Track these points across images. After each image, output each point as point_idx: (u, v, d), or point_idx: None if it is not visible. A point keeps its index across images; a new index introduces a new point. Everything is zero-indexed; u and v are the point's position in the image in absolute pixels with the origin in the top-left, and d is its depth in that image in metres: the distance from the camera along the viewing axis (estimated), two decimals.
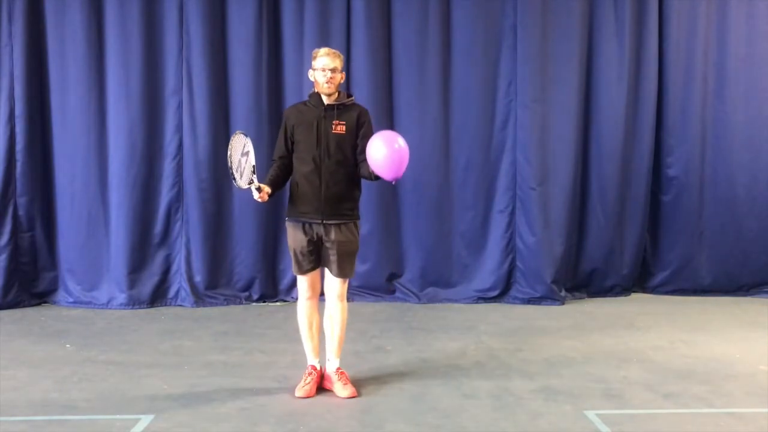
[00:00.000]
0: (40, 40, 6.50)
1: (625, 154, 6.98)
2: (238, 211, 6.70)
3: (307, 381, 4.27)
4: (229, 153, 4.02)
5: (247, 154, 4.11)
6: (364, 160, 4.12)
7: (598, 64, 6.92)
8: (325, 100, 4.21)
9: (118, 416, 3.89)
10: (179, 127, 6.58)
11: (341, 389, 4.23)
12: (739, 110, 7.03)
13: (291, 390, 4.27)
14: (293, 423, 3.83)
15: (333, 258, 4.21)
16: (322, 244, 4.22)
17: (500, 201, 6.87)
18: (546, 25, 6.79)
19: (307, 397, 4.20)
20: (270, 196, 4.16)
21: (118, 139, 6.51)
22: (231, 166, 4.01)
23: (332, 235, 4.19)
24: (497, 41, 6.81)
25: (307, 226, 4.20)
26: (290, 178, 4.30)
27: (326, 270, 4.31)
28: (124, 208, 6.51)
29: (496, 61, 6.82)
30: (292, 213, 4.25)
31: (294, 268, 4.32)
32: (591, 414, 3.95)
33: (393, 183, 4.11)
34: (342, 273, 4.25)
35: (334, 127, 4.17)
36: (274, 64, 6.71)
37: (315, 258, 4.25)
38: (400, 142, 3.97)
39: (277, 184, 4.25)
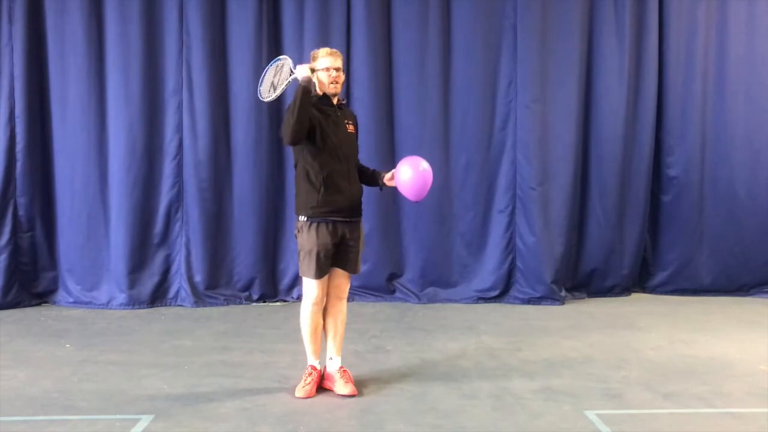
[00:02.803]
0: (40, 40, 6.51)
1: (625, 154, 6.98)
2: (238, 211, 6.71)
3: (307, 381, 4.26)
4: (260, 82, 4.16)
5: (280, 69, 4.14)
6: (368, 169, 4.32)
7: (598, 64, 6.93)
8: (334, 101, 4.20)
9: (118, 416, 3.88)
10: (179, 127, 6.58)
11: (342, 386, 4.22)
12: (739, 110, 7.04)
13: (291, 390, 4.27)
14: (293, 423, 3.82)
15: (353, 255, 4.24)
16: (343, 242, 4.19)
17: (500, 201, 6.88)
18: (546, 25, 6.79)
19: (307, 398, 4.19)
20: (306, 98, 4.00)
21: (118, 139, 6.51)
22: (261, 92, 4.17)
23: (355, 233, 4.23)
24: (497, 41, 6.82)
25: (333, 225, 4.12)
26: (308, 178, 4.10)
27: (336, 270, 4.24)
28: (124, 208, 6.52)
29: (496, 61, 6.83)
30: (318, 213, 4.08)
31: (312, 272, 4.11)
32: (591, 414, 3.95)
33: (416, 202, 4.29)
34: (358, 269, 4.33)
35: (347, 126, 4.21)
36: None
37: (331, 260, 4.21)
38: (424, 165, 4.13)
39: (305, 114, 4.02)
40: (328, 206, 4.11)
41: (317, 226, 4.11)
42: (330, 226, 4.12)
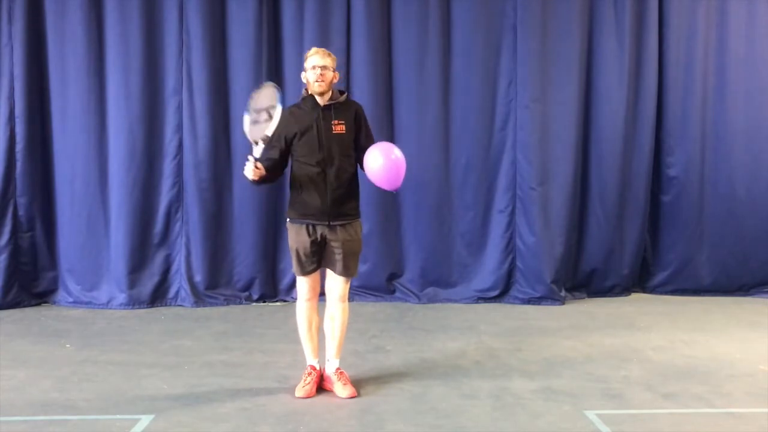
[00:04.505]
0: (40, 40, 6.51)
1: (625, 154, 6.97)
2: (238, 211, 6.71)
3: (306, 381, 4.26)
4: (254, 95, 4.06)
5: (270, 115, 3.97)
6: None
7: (598, 64, 6.92)
8: (320, 101, 4.17)
9: (118, 416, 3.89)
10: (179, 127, 6.58)
11: (341, 389, 4.22)
12: (739, 110, 7.03)
13: (291, 390, 4.27)
14: (293, 423, 3.83)
15: (338, 257, 4.19)
16: (326, 244, 4.20)
17: (500, 201, 6.87)
18: (546, 25, 6.79)
19: (307, 398, 4.19)
20: (259, 182, 4.06)
21: (118, 139, 6.51)
22: (249, 105, 4.04)
23: (338, 234, 4.18)
24: (497, 41, 6.81)
25: (311, 227, 4.17)
26: (291, 180, 4.26)
27: (328, 271, 4.29)
28: (124, 208, 6.51)
29: (496, 61, 6.82)
30: (295, 215, 4.21)
31: (295, 269, 4.28)
32: (591, 414, 3.95)
33: (394, 192, 4.17)
34: (346, 272, 4.24)
35: (333, 127, 4.14)
36: (274, 64, 6.72)
37: (317, 259, 4.23)
38: (396, 152, 4.03)
39: (269, 178, 4.14)
40: (302, 209, 4.17)
41: (296, 227, 4.20)
42: (309, 227, 4.17)
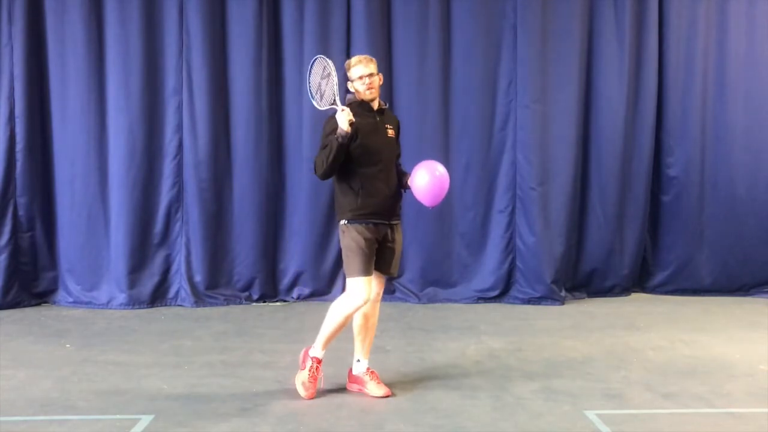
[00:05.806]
0: (40, 40, 6.51)
1: (625, 154, 6.98)
2: (238, 211, 6.71)
3: (310, 380, 4.18)
4: (308, 77, 4.21)
5: (328, 76, 4.15)
6: (399, 171, 4.33)
7: (598, 64, 6.93)
8: (374, 105, 4.22)
9: (118, 416, 3.89)
10: (179, 127, 6.58)
11: (376, 389, 4.22)
12: (739, 110, 7.04)
13: (291, 390, 4.27)
14: (293, 423, 3.82)
15: (389, 257, 4.24)
16: (384, 245, 4.21)
17: (500, 201, 6.88)
18: (546, 25, 6.80)
19: (309, 399, 4.18)
20: (346, 141, 4.00)
21: (118, 139, 6.51)
22: (310, 90, 4.18)
23: (395, 235, 4.26)
24: (497, 41, 6.82)
25: (374, 227, 4.16)
26: (347, 183, 4.17)
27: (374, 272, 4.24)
28: (124, 208, 6.52)
29: (496, 61, 6.83)
30: (358, 216, 4.13)
31: (360, 269, 4.09)
32: (591, 414, 3.95)
33: (430, 208, 4.30)
34: (396, 270, 4.32)
35: (387, 131, 4.24)
36: (274, 64, 6.72)
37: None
38: (440, 169, 4.19)
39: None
40: (367, 209, 4.14)
41: (361, 228, 4.14)
42: (373, 227, 4.16)
